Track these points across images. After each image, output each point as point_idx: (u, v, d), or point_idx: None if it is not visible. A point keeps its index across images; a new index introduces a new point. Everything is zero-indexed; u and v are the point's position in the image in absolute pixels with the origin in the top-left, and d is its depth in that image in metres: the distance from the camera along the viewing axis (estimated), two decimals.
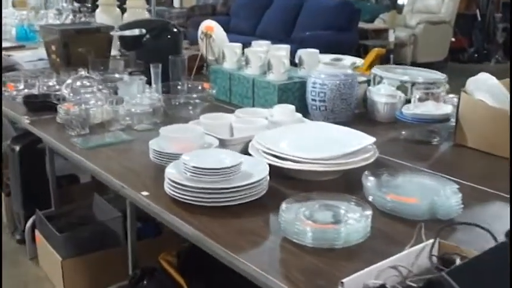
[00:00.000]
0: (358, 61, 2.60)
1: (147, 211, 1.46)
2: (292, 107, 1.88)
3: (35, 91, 2.47)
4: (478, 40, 8.12)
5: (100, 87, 2.17)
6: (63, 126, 2.04)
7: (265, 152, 1.58)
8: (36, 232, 2.59)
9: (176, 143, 1.59)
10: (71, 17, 3.70)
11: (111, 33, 2.50)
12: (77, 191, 3.00)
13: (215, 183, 1.37)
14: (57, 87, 2.54)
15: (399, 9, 8.24)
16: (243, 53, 2.43)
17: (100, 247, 2.39)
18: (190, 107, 2.22)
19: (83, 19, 3.63)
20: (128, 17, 3.07)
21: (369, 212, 1.23)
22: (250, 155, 1.59)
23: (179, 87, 2.32)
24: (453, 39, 7.81)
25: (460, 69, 7.55)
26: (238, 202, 1.37)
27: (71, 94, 2.13)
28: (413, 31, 7.25)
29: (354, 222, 1.21)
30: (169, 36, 2.50)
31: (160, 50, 2.46)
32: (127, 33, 2.44)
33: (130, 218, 1.95)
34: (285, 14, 6.69)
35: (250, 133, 1.73)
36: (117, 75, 2.75)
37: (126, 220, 2.37)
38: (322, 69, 2.09)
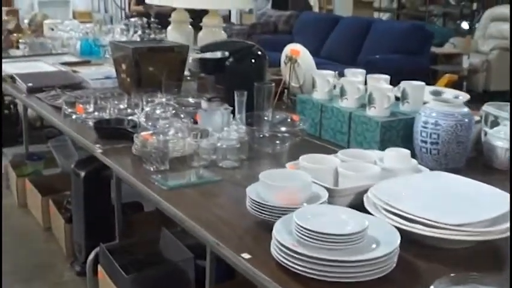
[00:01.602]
0: (463, 95, 2.30)
1: (247, 276, 1.21)
2: (407, 152, 1.61)
3: (105, 115, 2.27)
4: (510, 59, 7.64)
5: (182, 115, 1.94)
6: (139, 159, 1.83)
7: (386, 210, 1.32)
8: (99, 267, 2.38)
9: (280, 194, 1.34)
10: (139, 33, 3.52)
11: (192, 55, 2.29)
12: (141, 220, 2.79)
13: (337, 254, 1.12)
14: (128, 110, 2.35)
15: (470, 34, 7.87)
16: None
17: None
18: (277, 142, 1.97)
19: (152, 36, 3.45)
20: (203, 36, 2.86)
21: None
22: (362, 209, 1.33)
23: (266, 118, 2.08)
24: None
25: None
26: (366, 279, 1.11)
27: (149, 123, 1.91)
28: (487, 57, 6.87)
29: None
30: (253, 60, 2.27)
31: (243, 75, 2.23)
32: (208, 55, 2.22)
33: (210, 270, 1.72)
34: (352, 36, 6.43)
35: (360, 182, 1.47)
36: (191, 100, 2.55)
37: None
38: (434, 106, 1.81)
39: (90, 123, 2.22)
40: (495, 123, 2.04)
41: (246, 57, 2.25)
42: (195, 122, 2.07)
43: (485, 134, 1.95)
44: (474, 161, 1.92)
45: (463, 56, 6.18)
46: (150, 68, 2.65)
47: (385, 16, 9.41)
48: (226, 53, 2.21)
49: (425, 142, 1.80)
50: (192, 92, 2.68)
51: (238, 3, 2.82)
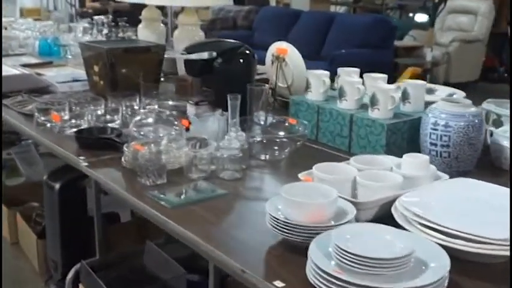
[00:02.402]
0: (459, 93, 2.23)
1: None
2: (426, 158, 1.52)
3: (83, 122, 2.09)
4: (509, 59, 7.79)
5: (175, 123, 1.79)
6: (130, 172, 1.68)
7: (422, 224, 1.22)
8: (81, 286, 2.20)
9: (307, 211, 1.22)
10: (105, 31, 3.32)
11: (177, 56, 2.14)
12: (118, 232, 2.61)
13: (388, 280, 1.00)
14: (107, 117, 2.18)
15: (426, 26, 7.92)
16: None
17: None
18: (275, 147, 1.86)
19: (120, 35, 3.26)
20: (179, 35, 2.70)
21: None
22: (386, 222, 1.23)
23: (262, 122, 1.96)
24: (483, 59, 7.48)
25: (491, 90, 7.23)
26: None
27: (141, 132, 1.75)
28: (447, 49, 6.92)
29: None
30: (241, 60, 2.14)
31: (232, 77, 2.10)
32: (194, 56, 2.08)
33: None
34: (314, 30, 6.35)
35: (383, 193, 1.37)
36: (171, 103, 2.40)
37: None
38: (443, 106, 1.73)
39: (68, 132, 2.05)
40: (498, 122, 1.98)
41: (234, 57, 2.12)
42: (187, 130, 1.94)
43: (491, 134, 1.87)
44: (480, 162, 1.85)
45: (426, 49, 6.17)
46: (126, 69, 2.49)
47: (341, 9, 9.38)
48: (214, 54, 2.08)
49: (435, 145, 1.71)
50: (169, 94, 2.53)
51: (217, 0, 2.67)
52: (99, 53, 2.47)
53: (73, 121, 2.10)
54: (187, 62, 2.10)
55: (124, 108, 2.23)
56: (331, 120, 1.96)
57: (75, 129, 2.04)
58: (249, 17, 7.52)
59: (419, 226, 1.22)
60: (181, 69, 2.73)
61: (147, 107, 2.22)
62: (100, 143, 1.86)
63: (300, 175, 1.49)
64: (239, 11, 7.48)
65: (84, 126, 2.07)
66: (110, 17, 3.38)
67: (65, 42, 3.71)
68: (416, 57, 6.59)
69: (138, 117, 1.82)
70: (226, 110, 1.93)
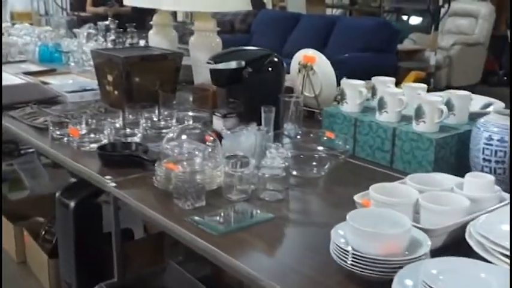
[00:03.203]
0: (496, 103, 2.13)
1: None
2: (491, 178, 1.40)
3: (103, 137, 1.96)
4: (509, 62, 7.74)
5: (211, 139, 1.66)
6: (163, 193, 1.55)
7: (506, 256, 1.10)
8: None
9: (380, 243, 1.10)
10: (112, 37, 3.18)
11: (205, 65, 2.01)
12: (134, 250, 2.48)
13: None
14: (127, 130, 2.05)
15: (425, 29, 7.85)
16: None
17: None
18: (314, 163, 1.73)
19: (129, 41, 3.11)
20: (195, 42, 2.57)
21: None
22: (455, 250, 1.12)
23: (298, 136, 1.84)
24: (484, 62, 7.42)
25: (491, 93, 7.15)
26: None
27: (175, 150, 1.62)
28: (448, 53, 6.84)
29: None
30: (271, 69, 2.02)
31: (261, 86, 1.98)
32: (222, 66, 1.95)
33: None
34: (315, 34, 6.23)
35: (450, 218, 1.25)
36: (190, 114, 2.28)
37: None
38: (497, 120, 1.62)
39: (88, 147, 1.91)
40: None
41: (263, 66, 1.99)
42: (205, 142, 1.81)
43: None
44: None
45: (430, 52, 6.08)
46: (142, 79, 2.36)
47: (337, 12, 9.30)
48: (243, 63, 1.95)
49: (489, 161, 1.60)
50: (187, 104, 2.40)
51: (237, 5, 2.55)
52: (114, 62, 2.34)
53: (92, 135, 1.96)
54: (213, 72, 1.97)
55: (143, 120, 2.11)
56: (371, 134, 1.84)
57: (95, 145, 1.90)
58: (247, 20, 7.39)
59: (502, 257, 1.10)
60: (198, 78, 2.60)
61: (170, 121, 2.10)
62: (127, 160, 1.73)
63: (356, 198, 1.37)
64: (236, 14, 7.35)
65: (104, 141, 1.94)
66: (116, 22, 3.24)
67: (67, 48, 3.57)
68: (418, 60, 6.51)
69: (171, 134, 1.67)
70: (257, 123, 1.82)
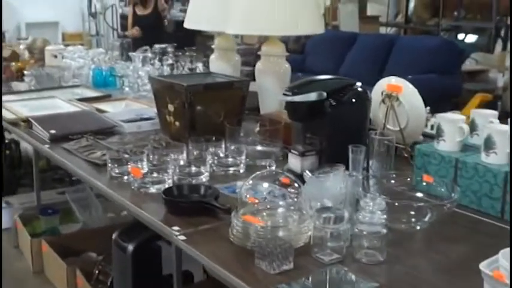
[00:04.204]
0: None
1: None
2: None
3: (167, 177, 1.75)
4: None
5: (295, 184, 1.43)
6: (241, 250, 1.32)
7: None
8: None
9: None
10: (169, 61, 3.00)
11: (280, 98, 1.79)
12: None
13: None
14: (193, 169, 1.84)
15: (484, 47, 7.48)
16: None
17: None
18: (411, 213, 1.48)
19: (187, 66, 2.93)
20: (262, 67, 2.36)
21: None
22: None
23: (393, 181, 1.59)
24: None
25: None
26: None
27: (252, 196, 1.40)
28: None
29: None
30: (354, 100, 1.78)
31: (343, 121, 1.74)
32: (300, 98, 1.72)
33: None
34: (374, 54, 5.97)
35: None
36: (259, 148, 2.06)
37: None
38: None
39: (151, 189, 1.71)
40: None
41: (347, 98, 1.76)
42: (282, 185, 1.58)
43: None
44: None
45: (498, 74, 5.73)
46: (207, 109, 2.16)
47: (391, 31, 9.00)
48: (324, 94, 1.72)
49: None
50: (252, 135, 2.18)
51: (310, 28, 2.33)
52: (176, 90, 2.14)
53: (154, 175, 1.75)
54: (290, 105, 1.75)
55: (209, 156, 1.90)
56: (476, 178, 1.58)
57: (158, 186, 1.71)
58: (300, 40, 7.17)
59: None
60: (264, 106, 2.38)
61: (239, 157, 1.89)
62: (196, 208, 1.51)
63: (483, 267, 1.11)
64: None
65: (168, 181, 1.73)
66: (174, 45, 3.06)
67: (122, 72, 3.42)
68: (482, 82, 6.15)
69: (249, 181, 1.45)
70: (339, 162, 1.59)
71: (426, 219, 1.47)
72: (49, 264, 2.77)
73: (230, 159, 1.92)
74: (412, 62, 5.48)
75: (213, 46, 2.67)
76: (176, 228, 1.44)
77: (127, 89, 3.31)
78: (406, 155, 1.93)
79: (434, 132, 1.83)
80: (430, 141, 1.95)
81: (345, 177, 1.45)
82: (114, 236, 2.07)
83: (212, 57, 2.68)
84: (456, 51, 5.59)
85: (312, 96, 1.72)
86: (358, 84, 1.82)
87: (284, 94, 1.75)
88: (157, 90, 2.29)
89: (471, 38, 8.76)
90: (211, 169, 1.87)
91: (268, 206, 1.38)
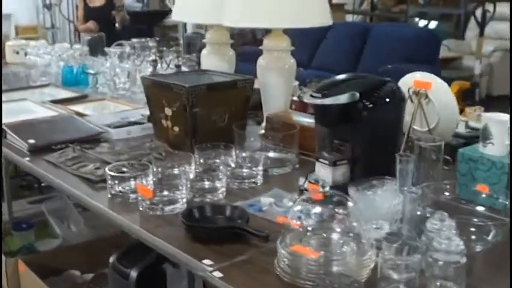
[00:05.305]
0: None
1: None
2: None
3: (179, 195, 1.51)
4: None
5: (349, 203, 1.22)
6: (292, 286, 1.11)
7: None
8: None
9: None
10: (152, 58, 2.74)
11: (306, 100, 1.58)
12: None
13: None
14: (206, 183, 1.61)
15: (453, 34, 7.43)
16: None
17: None
18: (472, 229, 1.29)
19: (175, 62, 2.67)
20: (264, 62, 2.13)
21: None
22: None
23: (447, 193, 1.40)
24: None
25: None
26: None
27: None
28: (489, 60, 6.40)
29: None
30: (388, 100, 1.58)
31: (378, 125, 1.54)
32: (330, 101, 1.51)
33: None
34: (348, 43, 5.81)
35: None
36: (271, 155, 1.86)
37: None
38: None
39: (163, 211, 1.47)
40: None
41: (382, 98, 1.56)
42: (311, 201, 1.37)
43: None
44: None
45: (473, 60, 5.64)
46: (209, 112, 1.93)
47: (357, 19, 8.88)
48: (357, 95, 1.51)
49: None
50: (255, 140, 1.96)
51: (317, 20, 2.11)
52: (175, 92, 1.90)
53: (165, 193, 1.51)
54: (319, 109, 1.54)
55: (221, 167, 1.67)
56: None
57: (171, 207, 1.47)
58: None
59: None
60: (268, 105, 2.16)
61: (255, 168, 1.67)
62: (225, 234, 1.28)
63: None
64: None
65: (181, 201, 1.50)
66: (157, 39, 2.80)
67: (95, 69, 3.14)
68: (456, 69, 6.08)
69: (298, 207, 1.23)
70: (375, 172, 1.40)
71: (490, 237, 1.29)
72: (27, 286, 2.49)
73: (245, 170, 1.70)
74: (390, 52, 5.35)
75: (204, 40, 2.43)
76: (208, 262, 1.21)
77: (101, 87, 3.04)
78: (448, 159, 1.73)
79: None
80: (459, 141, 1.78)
81: (404, 194, 1.25)
82: (111, 259, 1.83)
83: (204, 52, 2.44)
84: (435, 40, 5.48)
85: (343, 98, 1.51)
86: (392, 81, 1.62)
87: (312, 96, 1.53)
88: (151, 92, 2.05)
89: (434, 25, 8.71)
90: (227, 184, 1.64)
91: (323, 235, 1.17)
